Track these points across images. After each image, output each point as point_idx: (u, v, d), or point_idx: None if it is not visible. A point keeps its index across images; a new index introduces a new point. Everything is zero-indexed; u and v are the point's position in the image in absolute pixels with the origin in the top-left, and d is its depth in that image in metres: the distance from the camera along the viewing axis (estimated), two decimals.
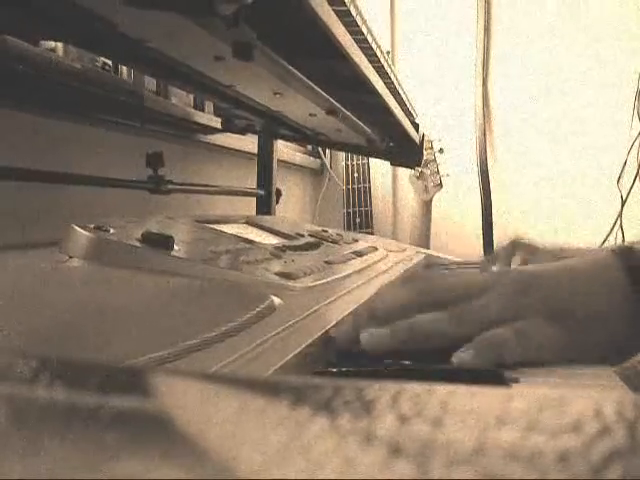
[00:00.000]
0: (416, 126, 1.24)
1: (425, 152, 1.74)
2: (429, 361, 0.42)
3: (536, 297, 0.45)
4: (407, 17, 2.26)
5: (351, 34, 0.64)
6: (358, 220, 1.99)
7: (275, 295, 0.48)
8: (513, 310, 0.44)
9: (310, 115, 0.91)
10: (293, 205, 1.98)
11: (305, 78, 0.70)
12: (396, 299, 0.49)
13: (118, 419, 0.14)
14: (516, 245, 0.76)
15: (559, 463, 0.12)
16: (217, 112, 1.19)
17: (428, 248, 1.65)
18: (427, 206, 1.87)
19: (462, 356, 0.41)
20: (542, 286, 0.46)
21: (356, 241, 1.01)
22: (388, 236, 2.06)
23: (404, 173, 2.11)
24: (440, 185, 1.84)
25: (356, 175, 2.01)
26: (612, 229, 2.02)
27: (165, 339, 0.33)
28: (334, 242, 0.91)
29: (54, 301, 0.39)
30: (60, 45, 0.81)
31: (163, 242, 0.53)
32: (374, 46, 0.72)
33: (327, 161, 2.27)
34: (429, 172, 1.84)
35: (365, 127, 1.04)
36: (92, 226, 0.52)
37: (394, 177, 2.28)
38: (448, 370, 0.41)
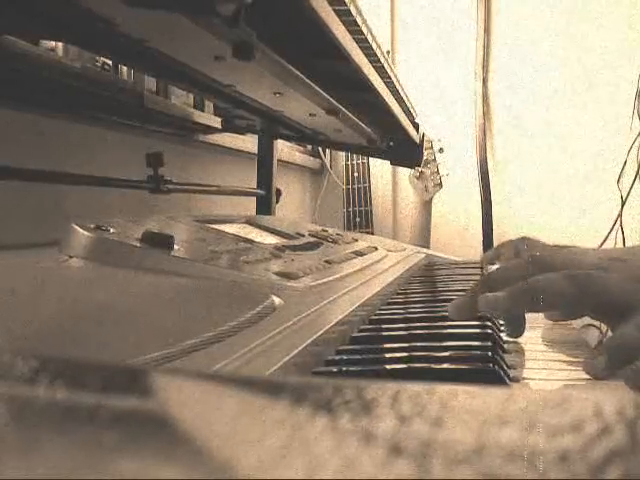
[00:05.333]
0: (416, 126, 1.24)
1: (425, 152, 1.74)
2: (428, 360, 0.42)
3: None
4: (407, 17, 2.26)
5: (351, 34, 0.64)
6: (358, 220, 1.99)
7: (275, 295, 0.48)
8: (631, 294, 0.43)
9: (310, 115, 0.91)
10: (293, 205, 1.98)
11: (305, 78, 0.70)
12: (511, 268, 0.49)
13: (118, 419, 0.14)
14: (523, 240, 0.75)
15: (559, 463, 0.12)
16: (217, 112, 1.19)
17: (428, 248, 1.65)
18: (427, 206, 1.87)
19: (593, 364, 0.41)
20: None
21: (356, 241, 1.01)
22: (388, 236, 2.06)
23: (404, 173, 2.11)
24: (440, 185, 1.84)
25: (356, 175, 2.01)
26: (612, 229, 2.02)
27: (165, 339, 0.33)
28: (334, 242, 0.91)
29: (54, 301, 0.39)
30: (60, 45, 0.81)
31: (163, 242, 0.53)
32: (374, 46, 0.72)
33: (327, 161, 2.27)
34: (429, 172, 1.84)
35: (365, 127, 1.04)
36: (92, 226, 0.52)
37: (394, 177, 2.28)
38: (448, 370, 0.41)
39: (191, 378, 0.17)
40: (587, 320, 0.53)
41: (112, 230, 0.52)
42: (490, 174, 2.16)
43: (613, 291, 0.44)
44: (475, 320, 0.51)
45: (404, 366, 0.42)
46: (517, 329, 0.52)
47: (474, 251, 2.07)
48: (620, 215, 2.02)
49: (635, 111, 2.02)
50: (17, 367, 0.16)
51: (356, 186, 2.01)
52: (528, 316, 0.52)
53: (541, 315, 0.62)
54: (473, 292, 0.48)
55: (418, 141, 1.27)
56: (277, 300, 0.48)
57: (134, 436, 0.13)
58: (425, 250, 1.30)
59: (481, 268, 0.88)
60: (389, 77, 0.86)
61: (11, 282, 0.42)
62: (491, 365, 0.41)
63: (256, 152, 1.34)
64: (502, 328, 0.55)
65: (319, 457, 0.12)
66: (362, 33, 0.66)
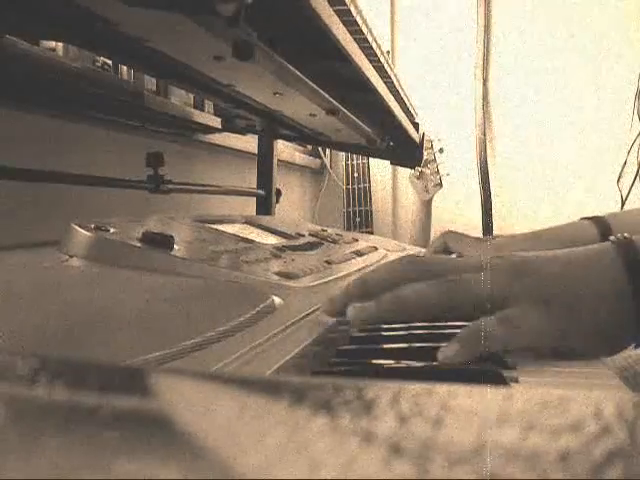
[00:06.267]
0: (416, 126, 1.24)
1: (425, 152, 1.74)
2: (429, 361, 0.42)
3: (527, 282, 0.44)
4: (407, 17, 2.26)
5: (351, 34, 0.64)
6: (358, 220, 1.99)
7: (275, 295, 0.48)
8: (501, 291, 0.43)
9: (310, 115, 0.91)
10: (293, 205, 1.98)
11: (305, 78, 0.70)
12: (385, 272, 0.48)
13: (118, 419, 0.14)
14: (447, 235, 0.78)
15: (559, 463, 0.12)
16: (217, 112, 1.19)
17: None
18: (427, 206, 1.87)
19: (446, 351, 0.41)
20: (535, 271, 0.44)
21: (356, 241, 1.01)
22: (388, 236, 2.05)
23: (404, 173, 2.11)
24: (440, 185, 1.84)
25: (356, 175, 2.01)
26: None
27: (165, 339, 0.33)
28: (334, 242, 0.91)
29: (54, 301, 0.39)
30: (60, 45, 0.81)
31: (163, 242, 0.53)
32: (374, 46, 0.72)
33: (327, 161, 2.27)
34: (429, 172, 1.83)
35: (365, 127, 1.04)
36: (92, 226, 0.52)
37: (394, 177, 2.28)
38: (448, 370, 0.41)
39: (191, 378, 0.17)
40: None
41: (112, 230, 0.52)
42: (490, 174, 2.16)
43: (482, 292, 0.43)
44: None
45: (404, 366, 0.42)
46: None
47: None
48: None
49: (635, 111, 2.02)
50: (18, 367, 0.16)
51: (356, 186, 2.01)
52: None
53: None
54: (347, 292, 0.47)
55: (418, 141, 1.27)
56: (277, 300, 0.48)
57: (134, 436, 0.13)
58: (425, 250, 1.29)
59: None
60: (389, 77, 0.86)
61: (11, 282, 0.42)
62: (491, 365, 0.41)
63: (256, 152, 1.34)
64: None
65: (319, 457, 0.12)
66: (362, 33, 0.66)
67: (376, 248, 0.98)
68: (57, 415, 0.14)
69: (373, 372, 0.41)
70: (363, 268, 0.77)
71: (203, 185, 1.17)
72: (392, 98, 0.94)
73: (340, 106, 0.86)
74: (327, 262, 0.70)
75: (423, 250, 1.26)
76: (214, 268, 0.53)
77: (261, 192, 1.30)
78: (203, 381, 0.16)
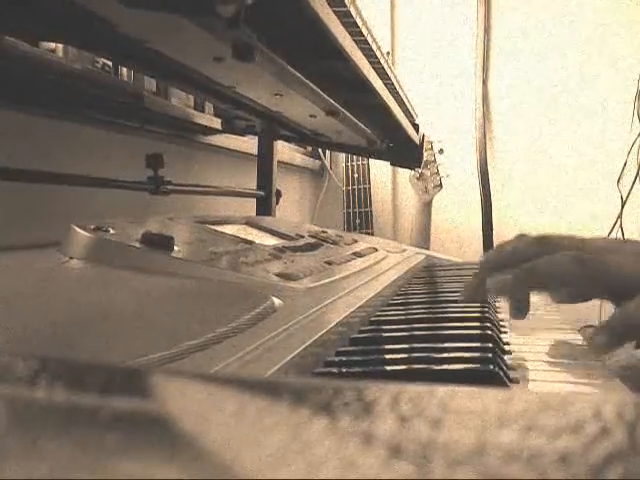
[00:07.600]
0: (416, 127, 1.24)
1: (425, 153, 1.74)
2: (428, 362, 0.42)
3: None
4: (407, 17, 2.26)
5: (351, 35, 0.64)
6: (358, 221, 1.99)
7: (275, 296, 0.48)
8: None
9: (310, 116, 0.91)
10: (293, 206, 1.98)
11: (305, 79, 0.70)
12: (515, 248, 0.48)
13: (118, 420, 0.14)
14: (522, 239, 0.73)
15: (559, 463, 0.12)
16: (217, 113, 1.19)
17: (428, 249, 1.65)
18: (427, 207, 1.87)
19: (595, 340, 0.41)
20: None
21: (356, 242, 1.01)
22: (388, 237, 2.05)
23: (404, 174, 2.11)
24: (440, 186, 1.84)
25: (356, 176, 2.01)
26: (612, 229, 2.02)
27: (165, 339, 0.33)
28: (334, 243, 0.91)
29: (54, 301, 0.39)
30: (60, 46, 0.82)
31: (163, 243, 0.53)
32: (374, 47, 0.72)
33: (327, 162, 2.27)
34: (429, 173, 1.83)
35: (365, 128, 1.04)
36: (92, 227, 0.52)
37: (394, 178, 2.28)
38: (448, 371, 0.41)
39: (191, 379, 0.17)
40: (586, 322, 0.52)
41: (112, 231, 0.53)
42: (490, 174, 2.16)
43: (621, 273, 0.43)
44: (479, 311, 0.51)
45: (404, 367, 0.42)
46: (521, 311, 0.51)
47: (474, 252, 2.07)
48: (620, 215, 2.03)
49: (635, 111, 2.02)
50: (18, 368, 0.16)
51: (356, 187, 2.01)
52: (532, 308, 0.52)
53: (543, 317, 0.62)
54: (482, 273, 0.48)
55: (418, 142, 1.27)
56: (277, 301, 0.48)
57: (135, 437, 0.13)
58: (425, 251, 1.30)
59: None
60: (389, 78, 0.86)
61: (11, 282, 0.42)
62: (491, 366, 0.41)
63: (256, 153, 1.34)
64: (503, 327, 0.55)
65: (319, 458, 0.12)
66: (362, 34, 0.66)
67: (376, 249, 0.98)
68: (57, 416, 0.14)
69: (373, 373, 0.41)
70: (363, 269, 0.77)
71: (203, 186, 1.17)
72: (392, 99, 0.94)
73: (340, 107, 0.86)
74: (327, 263, 0.70)
75: (425, 250, 1.26)
76: (214, 269, 0.53)
77: (261, 193, 1.30)
78: (203, 382, 0.16)
